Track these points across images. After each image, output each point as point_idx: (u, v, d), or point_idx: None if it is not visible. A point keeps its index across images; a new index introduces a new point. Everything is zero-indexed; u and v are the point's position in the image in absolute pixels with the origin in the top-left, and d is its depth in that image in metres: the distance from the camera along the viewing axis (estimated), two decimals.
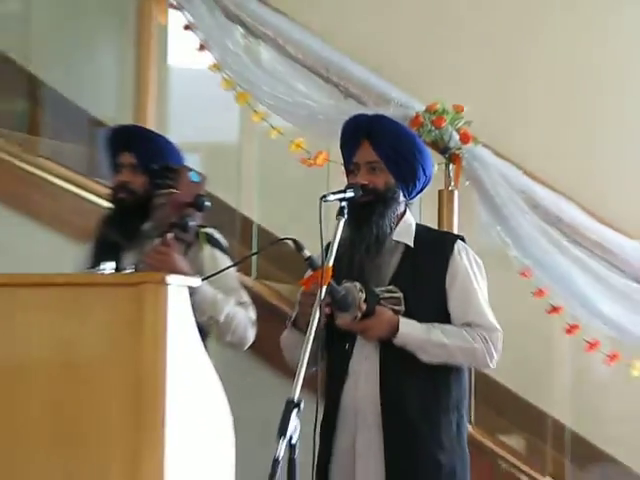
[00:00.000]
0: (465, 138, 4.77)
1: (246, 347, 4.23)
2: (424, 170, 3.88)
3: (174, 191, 3.89)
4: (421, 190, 3.96)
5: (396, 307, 3.81)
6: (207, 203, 3.88)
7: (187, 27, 5.12)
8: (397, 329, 3.78)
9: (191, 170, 3.90)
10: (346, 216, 3.67)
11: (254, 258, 5.33)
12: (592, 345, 4.70)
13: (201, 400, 3.33)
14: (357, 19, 6.07)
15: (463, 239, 3.89)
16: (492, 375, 5.04)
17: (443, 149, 4.70)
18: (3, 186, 5.14)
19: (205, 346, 3.50)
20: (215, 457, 3.35)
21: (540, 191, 4.79)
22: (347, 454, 3.92)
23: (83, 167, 5.29)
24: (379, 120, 3.99)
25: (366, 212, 3.84)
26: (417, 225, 3.93)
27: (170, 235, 4.06)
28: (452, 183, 4.81)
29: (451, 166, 4.81)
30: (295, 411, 3.23)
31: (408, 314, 3.78)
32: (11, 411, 3.20)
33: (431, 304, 3.89)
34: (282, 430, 3.19)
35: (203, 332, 3.66)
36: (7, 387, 3.23)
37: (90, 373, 3.15)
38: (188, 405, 3.23)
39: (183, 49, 5.45)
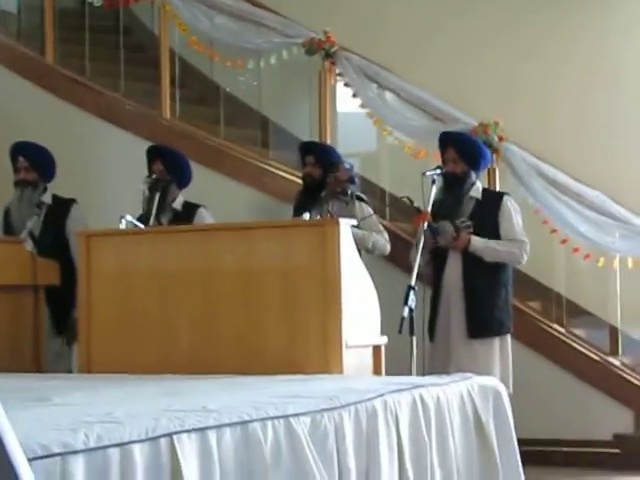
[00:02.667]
0: (500, 139, 6.41)
1: (386, 254, 5.95)
2: (483, 158, 5.84)
3: (337, 174, 5.72)
4: (484, 169, 6.00)
5: (469, 230, 5.61)
6: (356, 180, 5.82)
7: (346, 84, 6.81)
8: (470, 242, 5.61)
9: (344, 162, 5.86)
10: (436, 184, 5.53)
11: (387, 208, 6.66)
12: (576, 250, 6.33)
13: (358, 284, 4.60)
14: (440, 66, 7.68)
15: (508, 194, 5.88)
16: (521, 268, 6.15)
17: (489, 146, 6.25)
18: (249, 175, 6.80)
19: (361, 257, 4.88)
20: (368, 314, 4.66)
21: (542, 165, 6.41)
22: (445, 312, 5.66)
23: (291, 164, 6.85)
24: (458, 135, 5.98)
25: (452, 184, 5.68)
26: (483, 188, 5.85)
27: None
28: (495, 163, 6.45)
29: (494, 156, 6.37)
30: (412, 291, 5.16)
31: (476, 234, 5.60)
32: (259, 292, 4.53)
33: (489, 229, 5.64)
34: (406, 301, 5.11)
35: (360, 251, 5.04)
36: (253, 281, 4.54)
37: (301, 272, 4.48)
38: (351, 286, 4.48)
39: (344, 97, 6.92)
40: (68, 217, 5.89)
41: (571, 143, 7.18)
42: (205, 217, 5.86)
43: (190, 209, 5.90)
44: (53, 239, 5.34)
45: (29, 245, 5.74)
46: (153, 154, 5.99)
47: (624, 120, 7.31)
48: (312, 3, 7.90)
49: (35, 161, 5.94)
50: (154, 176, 5.78)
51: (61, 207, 5.94)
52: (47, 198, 5.98)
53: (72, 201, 5.98)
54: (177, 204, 5.93)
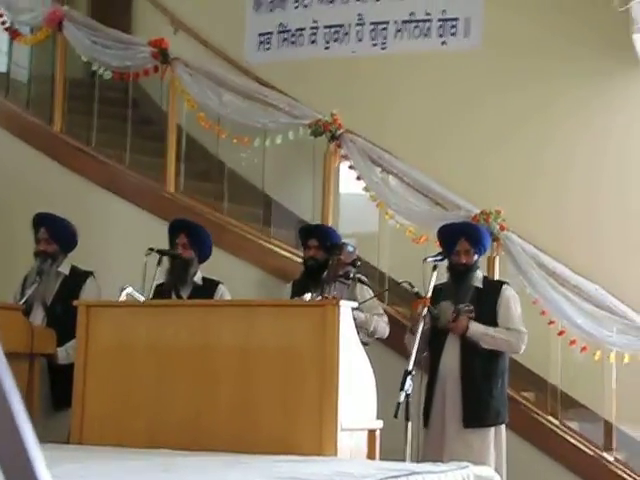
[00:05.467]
0: (502, 228, 6.39)
1: (385, 337, 5.91)
2: (486, 246, 5.93)
3: (340, 257, 5.70)
4: (483, 255, 5.96)
5: (469, 314, 5.62)
6: (359, 263, 5.73)
7: (350, 167, 6.75)
8: (468, 327, 5.59)
9: (348, 245, 5.86)
10: (437, 270, 5.42)
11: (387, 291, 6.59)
12: (572, 342, 6.18)
13: (356, 368, 4.60)
14: (448, 155, 7.68)
15: (508, 283, 5.91)
16: (516, 358, 6.14)
17: (490, 234, 6.21)
18: (250, 252, 6.71)
19: (360, 339, 4.82)
20: (364, 397, 4.67)
21: (542, 256, 6.36)
22: (440, 397, 5.62)
23: (292, 244, 6.90)
24: (469, 226, 6.02)
25: (462, 275, 5.69)
26: (483, 276, 5.88)
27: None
28: (495, 252, 6.46)
29: (495, 244, 6.37)
30: (409, 376, 4.96)
31: (476, 320, 5.59)
32: (257, 370, 4.53)
33: (488, 317, 5.64)
34: (402, 386, 4.90)
35: (359, 333, 4.94)
36: (251, 359, 4.51)
37: (299, 352, 4.49)
38: (349, 369, 4.48)
39: (347, 178, 6.88)
40: (82, 289, 5.85)
41: (583, 239, 7.23)
42: (225, 294, 5.87)
43: (211, 285, 5.93)
44: (64, 309, 5.34)
45: (39, 314, 5.74)
46: (177, 227, 6.00)
47: (633, 218, 7.34)
48: (321, 86, 7.95)
49: (56, 233, 5.96)
50: (178, 251, 5.82)
51: (77, 279, 5.92)
52: (65, 268, 5.97)
53: (89, 273, 5.97)
54: (197, 278, 5.96)
